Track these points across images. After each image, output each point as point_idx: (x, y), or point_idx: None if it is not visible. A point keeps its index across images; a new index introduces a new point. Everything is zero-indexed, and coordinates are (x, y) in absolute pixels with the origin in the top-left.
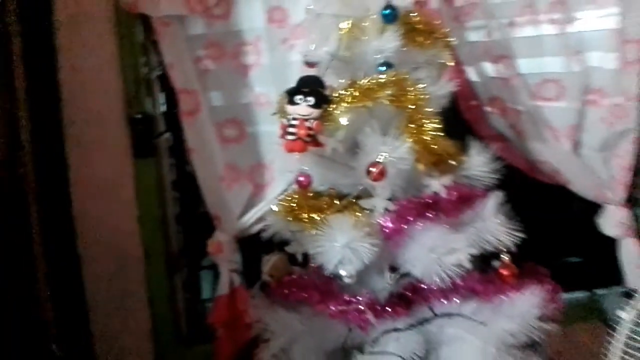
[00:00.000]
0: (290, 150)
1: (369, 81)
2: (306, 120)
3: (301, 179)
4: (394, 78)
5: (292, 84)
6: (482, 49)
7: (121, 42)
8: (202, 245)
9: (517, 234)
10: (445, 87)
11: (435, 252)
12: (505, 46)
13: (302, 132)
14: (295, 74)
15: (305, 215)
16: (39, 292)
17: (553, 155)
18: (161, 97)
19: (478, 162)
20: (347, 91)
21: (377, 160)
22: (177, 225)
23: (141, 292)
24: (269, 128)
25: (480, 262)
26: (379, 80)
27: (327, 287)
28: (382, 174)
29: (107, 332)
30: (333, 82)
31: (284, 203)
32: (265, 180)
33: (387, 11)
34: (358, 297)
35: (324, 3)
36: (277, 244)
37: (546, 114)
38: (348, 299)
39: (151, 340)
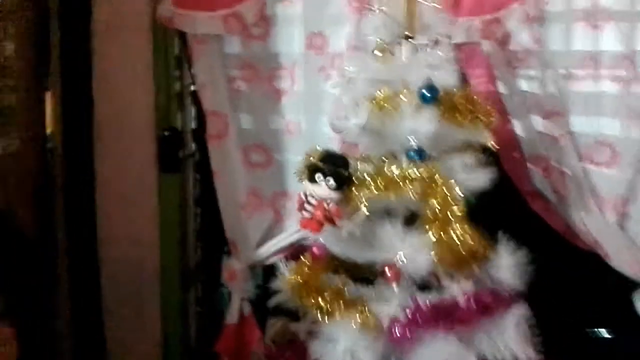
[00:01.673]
0: (304, 228)
1: (396, 172)
2: (325, 201)
3: (315, 250)
4: (423, 172)
5: (325, 114)
6: (532, 100)
7: (156, 55)
8: (220, 262)
9: (537, 353)
10: (482, 177)
11: None
12: (559, 101)
13: (319, 213)
14: (328, 104)
15: (312, 297)
16: (59, 292)
17: (595, 224)
18: (193, 113)
19: (506, 264)
20: (371, 179)
21: (394, 260)
22: (196, 241)
23: (155, 303)
24: (296, 157)
25: None
26: (407, 171)
27: None
28: (397, 277)
29: (120, 338)
30: (359, 155)
31: (294, 275)
32: (287, 210)
33: (426, 93)
34: None
35: (360, 66)
36: (284, 309)
37: (594, 180)
38: None
39: (161, 351)
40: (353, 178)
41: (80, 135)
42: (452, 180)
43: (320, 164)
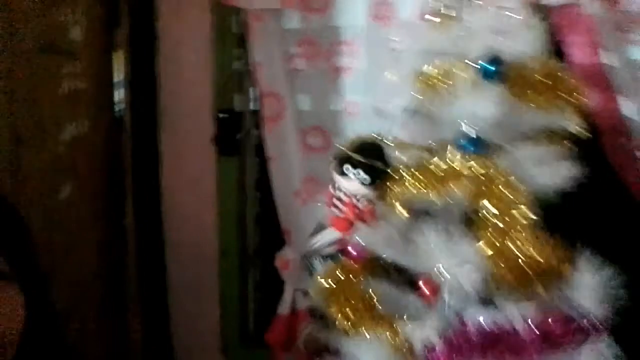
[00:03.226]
0: (333, 226)
1: (441, 165)
2: (355, 198)
3: (351, 250)
4: (476, 167)
5: (388, 93)
6: None
7: (216, 34)
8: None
9: None
10: (562, 173)
11: None
12: None
13: (349, 212)
14: (391, 83)
15: (340, 305)
16: (128, 268)
17: None
18: (252, 93)
19: (587, 285)
20: (410, 174)
21: (431, 274)
22: (255, 225)
23: (214, 286)
24: None
25: None
26: (455, 165)
27: None
28: (433, 293)
29: (182, 315)
30: (400, 144)
31: (325, 277)
32: None
33: (487, 65)
34: None
35: (409, 36)
36: (319, 314)
37: None
38: None
39: (220, 334)
40: (390, 172)
41: (147, 117)
42: (514, 177)
43: (352, 154)
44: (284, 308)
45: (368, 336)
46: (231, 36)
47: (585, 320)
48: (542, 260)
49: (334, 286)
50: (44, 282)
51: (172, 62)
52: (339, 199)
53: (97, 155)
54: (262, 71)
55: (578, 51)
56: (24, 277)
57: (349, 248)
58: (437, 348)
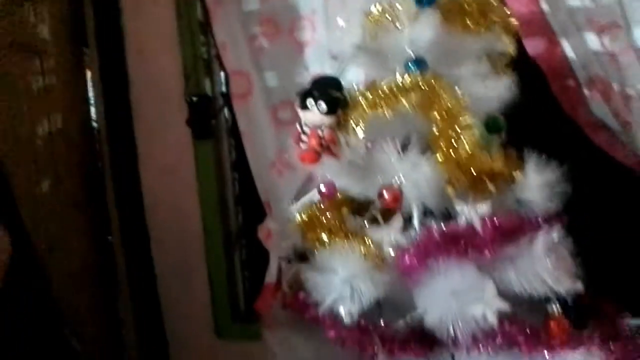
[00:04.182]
0: (302, 161)
1: (388, 84)
2: (319, 128)
3: (323, 189)
4: (420, 80)
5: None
6: (584, 15)
7: (180, 22)
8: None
9: (576, 281)
10: (501, 86)
11: (457, 299)
12: (616, 11)
13: (313, 142)
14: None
15: (315, 233)
16: (115, 257)
17: None
18: (221, 77)
19: (535, 183)
20: (363, 96)
21: (391, 183)
22: (236, 205)
23: (202, 267)
24: None
25: (529, 306)
26: (401, 83)
27: None
28: (395, 201)
29: (173, 300)
30: (359, 79)
31: (305, 214)
32: None
33: None
34: (372, 327)
35: None
36: (300, 253)
37: None
38: (362, 327)
39: (211, 313)
40: (347, 99)
41: (120, 110)
42: (458, 89)
43: (312, 88)
44: (270, 277)
45: (341, 250)
46: (196, 23)
47: (536, 215)
48: (488, 163)
49: (309, 220)
50: (24, 224)
51: (141, 56)
52: (305, 133)
53: (74, 147)
54: (227, 52)
55: (517, 3)
56: (7, 219)
57: (321, 186)
58: (404, 251)
